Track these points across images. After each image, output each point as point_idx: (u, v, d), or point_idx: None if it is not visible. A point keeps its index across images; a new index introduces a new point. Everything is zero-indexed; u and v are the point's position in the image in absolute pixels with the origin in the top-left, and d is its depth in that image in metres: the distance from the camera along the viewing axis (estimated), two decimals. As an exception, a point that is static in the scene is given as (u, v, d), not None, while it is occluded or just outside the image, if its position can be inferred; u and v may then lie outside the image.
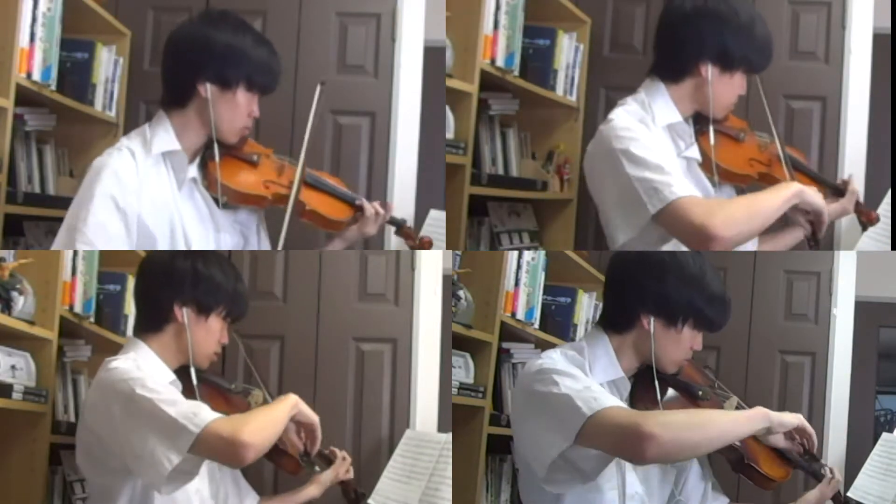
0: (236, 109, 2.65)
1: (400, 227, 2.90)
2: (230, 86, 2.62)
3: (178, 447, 2.27)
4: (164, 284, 2.54)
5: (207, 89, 2.61)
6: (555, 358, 2.36)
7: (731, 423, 2.26)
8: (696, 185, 2.64)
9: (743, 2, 2.64)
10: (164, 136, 2.62)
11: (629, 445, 2.13)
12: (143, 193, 2.57)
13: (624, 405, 2.26)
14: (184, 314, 2.52)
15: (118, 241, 2.54)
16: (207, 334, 2.56)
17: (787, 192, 2.54)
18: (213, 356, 2.60)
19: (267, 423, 2.36)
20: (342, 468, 2.75)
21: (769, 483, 2.49)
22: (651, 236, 2.55)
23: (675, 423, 2.15)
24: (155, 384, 2.36)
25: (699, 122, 2.66)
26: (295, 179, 2.70)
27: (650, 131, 2.56)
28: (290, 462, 2.58)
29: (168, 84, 2.68)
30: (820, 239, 2.61)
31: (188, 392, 2.52)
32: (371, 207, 2.77)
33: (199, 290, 2.54)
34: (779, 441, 2.40)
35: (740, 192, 2.78)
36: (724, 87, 2.61)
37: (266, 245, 2.87)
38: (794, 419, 2.33)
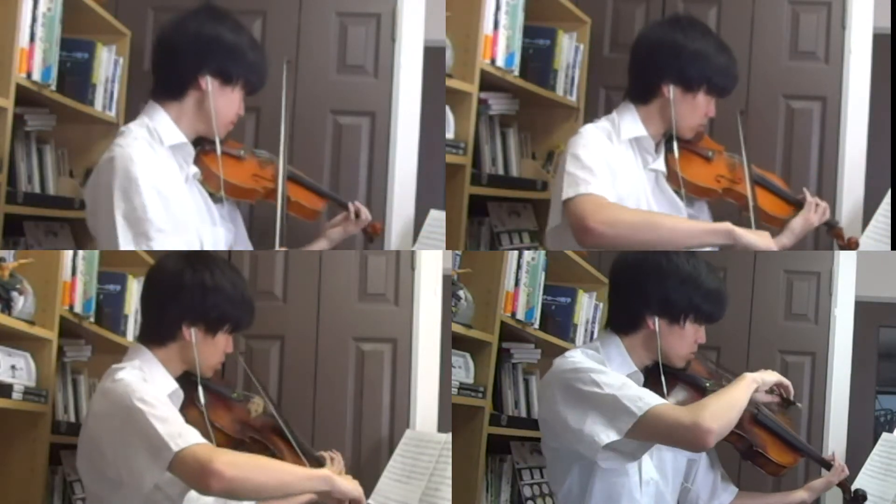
0: (231, 105, 2.69)
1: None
2: (231, 81, 2.67)
3: (158, 464, 2.25)
4: (172, 303, 2.51)
5: (208, 82, 2.64)
6: (578, 355, 2.54)
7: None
8: (664, 199, 2.85)
9: (703, 28, 2.88)
10: (169, 128, 2.64)
11: (691, 440, 2.37)
12: (166, 183, 2.59)
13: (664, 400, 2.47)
14: (192, 334, 2.50)
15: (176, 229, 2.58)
16: (214, 350, 2.55)
17: (711, 226, 2.79)
18: (217, 366, 2.59)
19: (254, 466, 2.31)
20: (335, 469, 2.74)
21: (778, 469, 2.70)
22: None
23: (723, 407, 2.39)
24: (153, 398, 2.34)
25: (670, 141, 2.86)
26: (280, 170, 2.77)
27: (611, 143, 2.81)
28: None
29: (164, 75, 2.68)
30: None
31: (191, 401, 2.51)
32: (363, 210, 2.94)
33: (208, 313, 2.51)
34: (761, 396, 2.58)
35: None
36: (687, 108, 2.82)
37: (246, 239, 2.91)
38: (773, 376, 2.56)
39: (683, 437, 2.38)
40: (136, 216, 2.53)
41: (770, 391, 2.60)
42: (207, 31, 2.66)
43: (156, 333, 2.52)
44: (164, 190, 2.58)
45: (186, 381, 2.53)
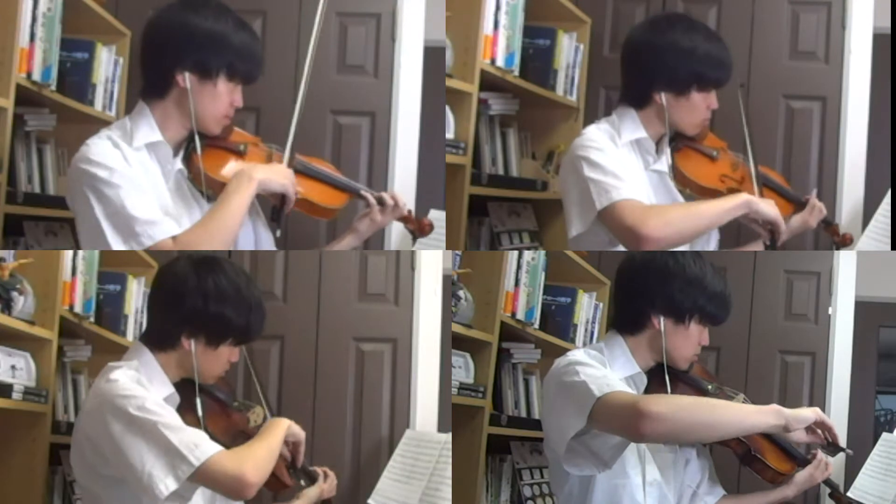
0: (217, 99, 2.56)
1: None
2: (210, 75, 2.54)
3: (176, 475, 2.24)
4: (174, 313, 2.43)
5: (186, 79, 2.52)
6: (579, 354, 2.53)
7: (740, 413, 2.34)
8: (668, 199, 2.82)
9: (690, 26, 2.78)
10: (146, 127, 2.54)
11: (628, 423, 2.25)
12: (138, 178, 2.50)
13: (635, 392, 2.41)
14: (191, 345, 2.43)
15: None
16: (216, 362, 2.48)
17: (733, 202, 2.72)
18: (219, 375, 2.52)
19: (266, 455, 2.37)
20: (327, 486, 2.74)
21: (776, 476, 2.66)
22: (602, 234, 2.75)
23: (678, 404, 2.29)
24: (155, 405, 2.30)
25: (671, 140, 2.82)
26: (284, 161, 2.62)
27: (615, 146, 2.77)
28: (274, 482, 2.55)
29: (146, 74, 2.59)
30: (777, 246, 2.78)
31: (188, 407, 2.45)
32: (388, 198, 2.74)
33: (209, 326, 2.43)
34: (801, 436, 2.46)
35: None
36: (683, 109, 2.78)
37: (265, 235, 2.76)
38: (811, 414, 2.40)
39: (623, 419, 2.27)
40: (116, 212, 2.45)
41: (811, 431, 2.44)
42: (179, 23, 2.53)
43: (157, 338, 2.47)
44: (139, 183, 2.49)
45: (187, 385, 2.47)
